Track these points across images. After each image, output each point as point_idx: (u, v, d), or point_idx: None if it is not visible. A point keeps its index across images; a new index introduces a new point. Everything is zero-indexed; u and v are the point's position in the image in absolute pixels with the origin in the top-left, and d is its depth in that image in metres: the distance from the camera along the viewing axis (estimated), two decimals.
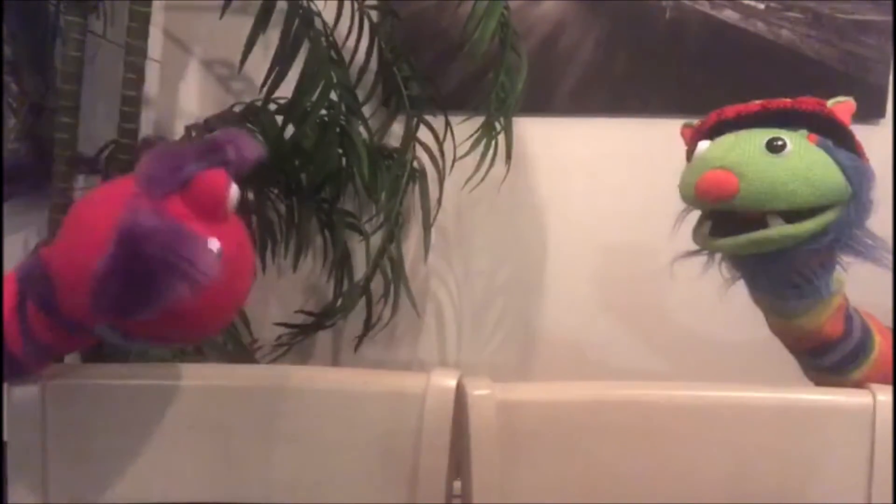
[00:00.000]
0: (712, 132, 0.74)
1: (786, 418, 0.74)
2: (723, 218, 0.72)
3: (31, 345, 0.66)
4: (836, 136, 0.71)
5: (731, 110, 0.74)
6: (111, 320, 0.58)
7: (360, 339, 1.19)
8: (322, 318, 1.18)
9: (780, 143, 0.69)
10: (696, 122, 0.78)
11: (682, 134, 0.80)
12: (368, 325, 1.18)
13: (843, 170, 0.70)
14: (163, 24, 1.23)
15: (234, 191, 0.60)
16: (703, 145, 0.73)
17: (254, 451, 0.76)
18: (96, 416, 0.75)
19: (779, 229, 0.69)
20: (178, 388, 0.76)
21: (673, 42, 1.20)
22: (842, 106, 0.74)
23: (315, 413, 0.75)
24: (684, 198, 0.74)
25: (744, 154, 0.69)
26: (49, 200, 1.00)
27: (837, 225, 0.70)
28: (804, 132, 0.71)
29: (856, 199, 0.71)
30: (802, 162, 0.69)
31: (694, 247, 0.77)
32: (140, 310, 0.55)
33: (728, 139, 0.72)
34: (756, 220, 0.69)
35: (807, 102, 0.72)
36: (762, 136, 0.70)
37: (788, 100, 0.73)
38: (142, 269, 0.54)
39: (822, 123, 0.72)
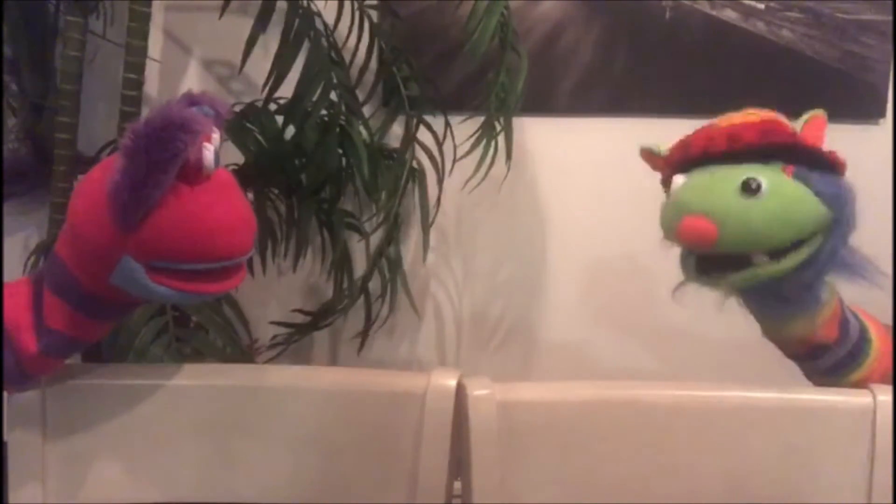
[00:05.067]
0: (684, 164, 0.73)
1: (786, 418, 0.74)
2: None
3: (46, 337, 0.66)
4: (811, 161, 0.70)
5: (697, 146, 0.72)
6: (135, 227, 0.59)
7: (363, 339, 1.19)
8: (319, 318, 1.18)
9: (754, 185, 0.67)
10: (657, 147, 0.77)
11: (645, 159, 0.79)
12: (368, 325, 1.18)
13: (823, 199, 0.69)
14: (163, 24, 1.23)
15: (214, 144, 0.62)
16: (679, 181, 0.72)
17: (254, 451, 0.76)
18: (96, 416, 0.75)
19: (763, 268, 0.69)
20: (178, 388, 0.76)
21: (673, 42, 1.20)
22: (812, 123, 0.72)
23: (315, 413, 0.75)
24: (667, 237, 0.74)
25: (719, 199, 0.68)
26: (49, 200, 1.00)
27: (822, 253, 0.70)
28: (779, 165, 0.69)
29: (837, 224, 0.70)
30: (780, 200, 0.68)
31: (681, 282, 0.77)
32: (155, 185, 0.58)
33: (702, 180, 0.70)
34: (741, 254, 0.69)
35: (775, 134, 0.70)
36: (736, 175, 0.68)
37: (757, 126, 0.70)
38: (145, 151, 0.57)
39: (794, 152, 0.70)
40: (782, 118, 0.72)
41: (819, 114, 0.73)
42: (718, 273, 0.71)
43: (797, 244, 0.69)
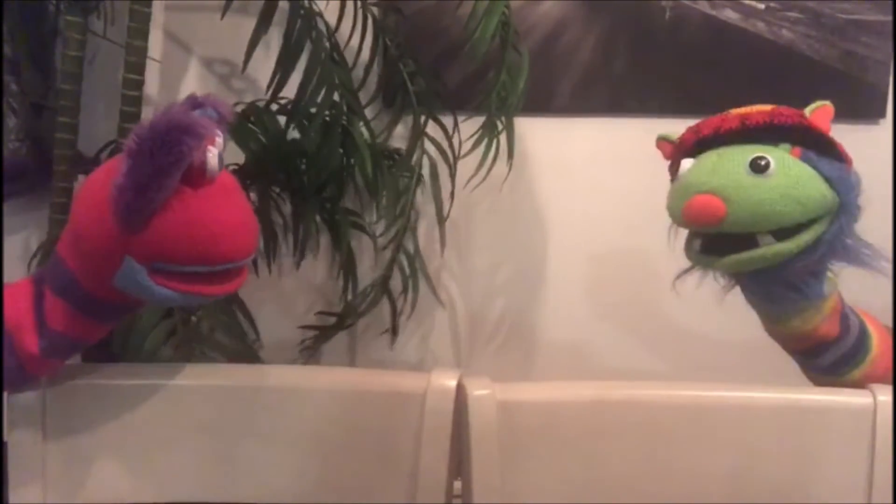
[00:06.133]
0: (694, 149, 0.74)
1: (786, 418, 0.74)
2: (713, 235, 0.72)
3: (47, 338, 0.66)
4: (818, 145, 0.71)
5: (708, 127, 0.73)
6: (139, 229, 0.60)
7: (394, 332, 1.21)
8: (343, 319, 1.18)
9: (763, 162, 0.68)
10: (673, 136, 0.78)
11: (660, 148, 0.79)
12: (395, 321, 1.19)
13: (829, 181, 0.70)
14: (163, 24, 1.23)
15: (218, 147, 0.62)
16: (686, 164, 0.73)
17: (254, 451, 0.76)
18: (96, 416, 0.75)
19: (769, 248, 0.69)
20: (178, 388, 0.76)
21: (673, 42, 1.20)
22: (819, 112, 0.73)
23: (315, 413, 0.76)
24: (673, 219, 0.74)
25: (728, 177, 0.68)
26: (49, 200, 1.00)
27: (827, 236, 0.70)
28: (787, 147, 0.70)
29: (843, 208, 0.70)
30: (788, 180, 0.68)
31: (685, 267, 0.78)
32: (159, 188, 0.58)
33: (710, 159, 0.71)
34: (746, 236, 0.69)
35: (785, 115, 0.71)
36: (745, 155, 0.69)
37: (767, 110, 0.72)
38: (150, 154, 0.57)
39: (803, 134, 0.71)
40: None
41: (825, 104, 0.74)
42: (724, 254, 0.71)
43: (803, 226, 0.69)
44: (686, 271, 0.78)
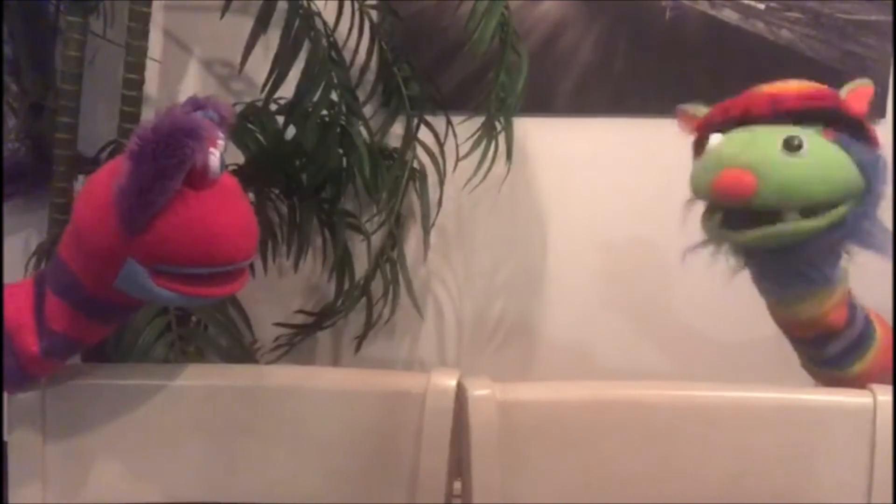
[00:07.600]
0: (724, 124, 0.73)
1: (786, 418, 0.74)
2: (736, 209, 0.71)
3: (47, 339, 0.66)
4: (851, 128, 0.71)
5: (737, 107, 0.73)
6: (141, 231, 0.60)
7: (360, 340, 1.19)
8: (321, 319, 1.18)
9: (796, 142, 0.68)
10: (695, 109, 0.77)
11: (684, 121, 0.79)
12: (368, 326, 1.18)
13: (858, 164, 0.70)
14: (163, 24, 1.23)
15: (220, 149, 0.62)
16: (716, 139, 0.73)
17: (254, 451, 0.76)
18: (96, 416, 0.75)
19: (796, 224, 0.69)
20: (178, 388, 0.76)
21: (673, 42, 1.20)
22: (856, 93, 0.73)
23: (315, 413, 0.76)
24: (697, 193, 0.74)
25: (761, 153, 0.68)
26: (49, 200, 1.00)
27: (851, 217, 0.70)
28: (820, 127, 0.71)
29: (869, 192, 0.71)
30: (820, 161, 0.69)
31: (699, 241, 0.77)
32: (161, 190, 0.58)
33: (743, 135, 0.71)
34: (770, 212, 0.69)
35: (820, 98, 0.72)
36: (778, 133, 0.69)
37: (798, 93, 0.72)
38: (152, 156, 0.58)
39: (836, 117, 0.71)
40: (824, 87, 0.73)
41: (865, 83, 0.74)
42: (747, 228, 0.70)
43: (828, 205, 0.69)
44: (697, 246, 0.77)
